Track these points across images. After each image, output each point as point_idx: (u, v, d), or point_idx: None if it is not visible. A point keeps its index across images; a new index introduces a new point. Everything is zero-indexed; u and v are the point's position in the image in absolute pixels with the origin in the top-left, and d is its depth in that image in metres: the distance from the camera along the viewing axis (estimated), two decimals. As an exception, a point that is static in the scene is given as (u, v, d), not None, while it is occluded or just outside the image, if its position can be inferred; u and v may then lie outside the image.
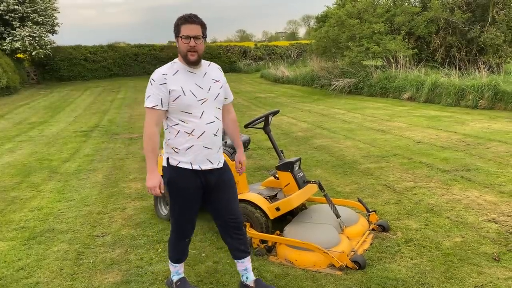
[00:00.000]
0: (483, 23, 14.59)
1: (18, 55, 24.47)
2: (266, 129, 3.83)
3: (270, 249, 3.44)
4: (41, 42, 23.82)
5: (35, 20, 23.80)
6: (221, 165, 2.67)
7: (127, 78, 27.79)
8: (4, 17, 22.87)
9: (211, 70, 2.65)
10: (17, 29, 22.99)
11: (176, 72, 2.50)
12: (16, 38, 22.75)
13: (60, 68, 27.02)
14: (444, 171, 5.39)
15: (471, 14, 14.72)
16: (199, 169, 2.56)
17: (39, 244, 3.85)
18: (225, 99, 2.73)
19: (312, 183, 3.80)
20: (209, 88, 2.56)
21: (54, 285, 3.12)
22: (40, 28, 23.95)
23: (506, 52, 14.80)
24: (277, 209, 3.51)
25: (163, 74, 2.48)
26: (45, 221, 4.41)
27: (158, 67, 2.54)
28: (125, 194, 5.18)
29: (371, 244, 3.51)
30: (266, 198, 3.65)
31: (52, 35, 26.09)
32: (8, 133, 9.98)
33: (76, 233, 4.07)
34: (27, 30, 22.90)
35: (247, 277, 2.86)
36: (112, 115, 12.33)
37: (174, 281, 2.93)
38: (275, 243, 3.44)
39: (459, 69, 13.36)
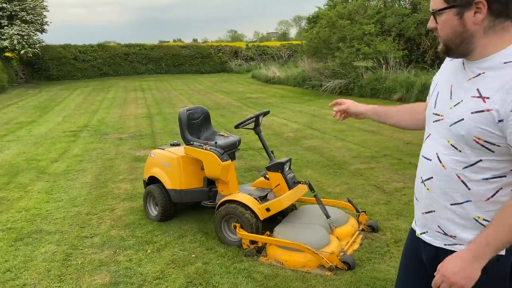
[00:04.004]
0: (472, 25, 14.77)
1: (6, 54, 24.13)
2: (256, 129, 3.84)
3: (260, 250, 3.43)
4: (30, 40, 23.51)
5: (24, 18, 23.48)
6: (436, 241, 1.44)
7: (117, 78, 27.56)
8: (-8, 15, 22.62)
9: (493, 75, 1.25)
10: (5, 27, 22.67)
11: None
12: (4, 37, 22.42)
13: (49, 67, 26.70)
14: (433, 171, 5.43)
15: (460, 16, 14.89)
16: (415, 232, 1.59)
17: (26, 245, 3.80)
18: (487, 145, 1.25)
19: (302, 183, 3.81)
20: (457, 103, 1.32)
21: (42, 287, 3.08)
22: (29, 26, 23.63)
23: (494, 54, 15.00)
24: (267, 209, 3.52)
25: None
26: (32, 222, 4.35)
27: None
28: (114, 194, 5.14)
29: (360, 244, 3.52)
30: (256, 199, 3.65)
31: (41, 34, 25.77)
32: (-5, 132, 9.84)
33: (64, 234, 4.02)
34: (15, 29, 22.59)
35: None
36: (101, 115, 12.22)
37: None
38: (265, 243, 3.44)
39: (449, 70, 13.47)
